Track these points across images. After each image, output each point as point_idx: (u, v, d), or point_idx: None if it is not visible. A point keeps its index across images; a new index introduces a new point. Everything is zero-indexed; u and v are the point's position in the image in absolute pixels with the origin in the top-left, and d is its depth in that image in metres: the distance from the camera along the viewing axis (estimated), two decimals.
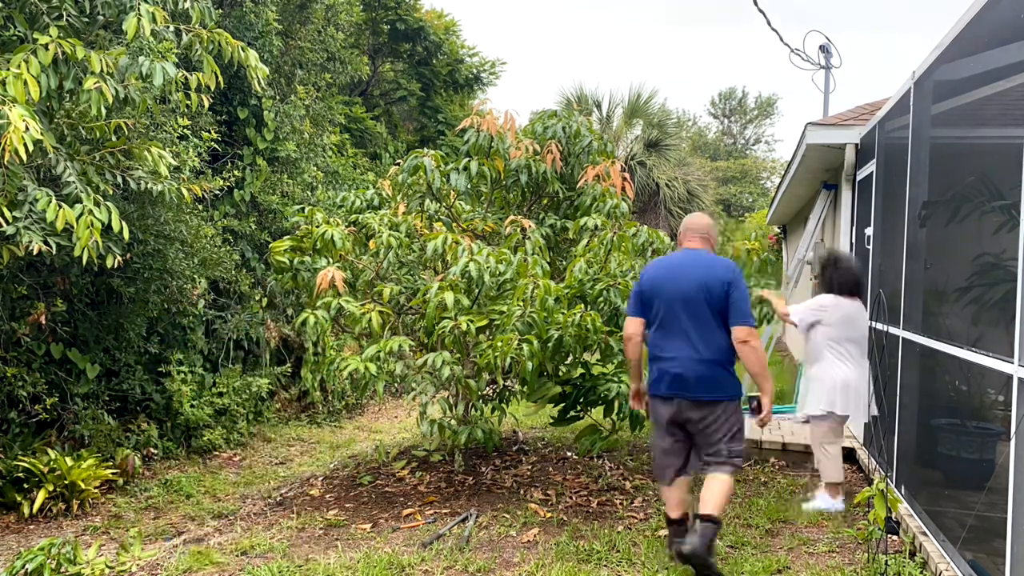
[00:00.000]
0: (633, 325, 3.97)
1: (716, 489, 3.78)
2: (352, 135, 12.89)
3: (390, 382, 4.95)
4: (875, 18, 63.98)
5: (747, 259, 5.52)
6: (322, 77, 10.46)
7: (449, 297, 4.60)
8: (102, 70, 4.27)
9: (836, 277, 5.03)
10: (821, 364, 4.94)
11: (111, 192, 4.94)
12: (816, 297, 5.10)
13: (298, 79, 9.59)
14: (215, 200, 8.08)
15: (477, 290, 4.87)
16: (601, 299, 4.95)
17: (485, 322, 4.78)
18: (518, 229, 5.25)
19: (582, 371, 5.22)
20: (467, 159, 5.44)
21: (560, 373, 5.31)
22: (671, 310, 3.83)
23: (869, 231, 6.13)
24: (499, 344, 4.43)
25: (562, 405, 5.28)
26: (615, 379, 4.77)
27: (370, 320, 4.81)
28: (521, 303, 4.61)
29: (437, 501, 5.22)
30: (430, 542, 4.36)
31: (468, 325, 4.58)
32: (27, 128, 3.74)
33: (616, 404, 4.84)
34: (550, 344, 4.68)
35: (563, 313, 4.65)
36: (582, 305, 4.83)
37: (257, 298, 8.43)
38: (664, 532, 4.49)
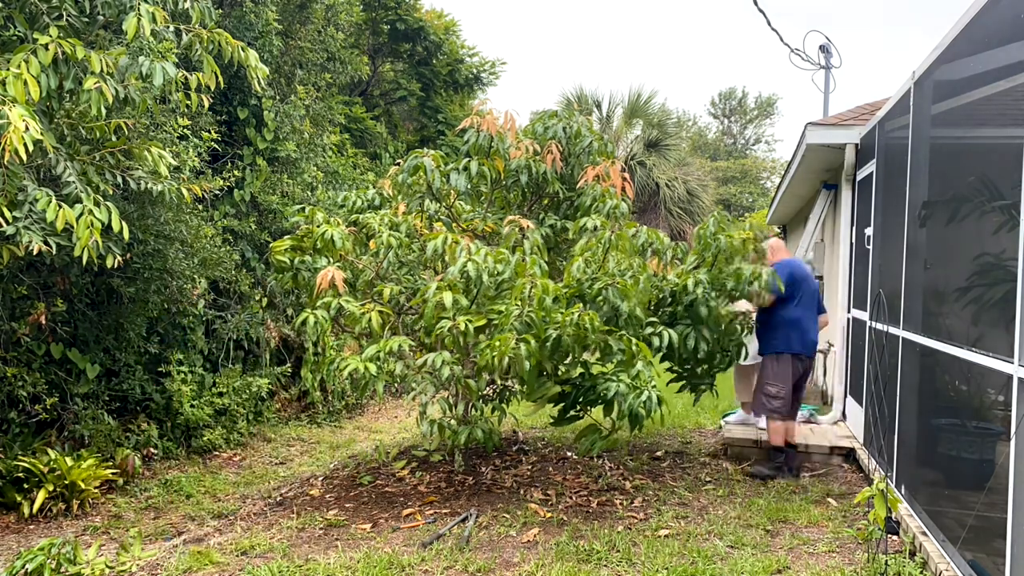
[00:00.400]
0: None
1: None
2: (352, 135, 12.87)
3: (390, 382, 4.95)
4: (875, 17, 63.99)
5: (742, 248, 5.58)
6: (322, 77, 10.44)
7: (447, 297, 4.60)
8: (102, 70, 4.26)
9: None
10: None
11: (111, 192, 4.93)
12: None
13: (298, 79, 9.58)
14: (215, 200, 8.07)
15: (475, 290, 4.87)
16: (600, 298, 4.94)
17: (483, 322, 4.77)
18: (516, 229, 5.25)
19: (581, 370, 5.21)
20: (467, 159, 5.44)
21: (559, 373, 5.31)
22: (811, 297, 5.70)
23: (869, 231, 6.13)
24: (496, 344, 4.43)
25: (562, 405, 5.28)
26: (614, 378, 4.77)
27: (370, 320, 4.81)
28: (519, 303, 4.61)
29: (437, 501, 5.22)
30: (430, 542, 4.37)
31: (466, 325, 4.58)
32: (27, 128, 3.73)
33: (616, 404, 4.84)
34: (548, 344, 4.67)
35: (561, 313, 4.64)
36: (580, 304, 4.83)
37: (257, 298, 8.42)
38: (665, 532, 4.50)
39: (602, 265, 5.15)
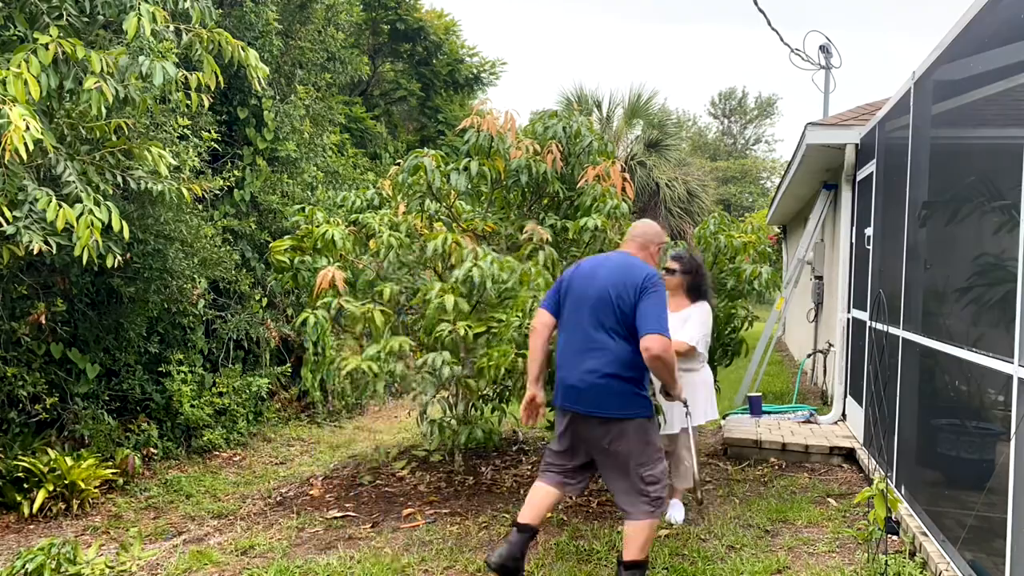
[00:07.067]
0: None
1: None
2: (352, 135, 12.88)
3: (390, 382, 4.95)
4: (876, 18, 64.02)
5: (742, 249, 5.52)
6: (322, 77, 10.45)
7: (449, 300, 4.59)
8: (102, 70, 4.27)
9: (705, 284, 4.71)
10: (702, 371, 4.68)
11: (111, 192, 4.94)
12: (701, 312, 4.63)
13: (298, 79, 9.58)
14: (215, 200, 8.07)
15: (477, 296, 4.86)
16: None
17: (483, 329, 4.76)
18: (537, 239, 5.16)
19: None
20: (467, 159, 5.43)
21: None
22: None
23: (869, 231, 6.13)
24: (495, 355, 4.42)
25: None
26: None
27: (371, 319, 4.81)
28: (520, 314, 4.60)
29: (437, 501, 5.22)
30: None
31: (466, 331, 4.58)
32: (27, 128, 3.73)
33: None
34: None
35: None
36: None
37: (257, 298, 8.43)
38: (664, 532, 4.49)
39: None
